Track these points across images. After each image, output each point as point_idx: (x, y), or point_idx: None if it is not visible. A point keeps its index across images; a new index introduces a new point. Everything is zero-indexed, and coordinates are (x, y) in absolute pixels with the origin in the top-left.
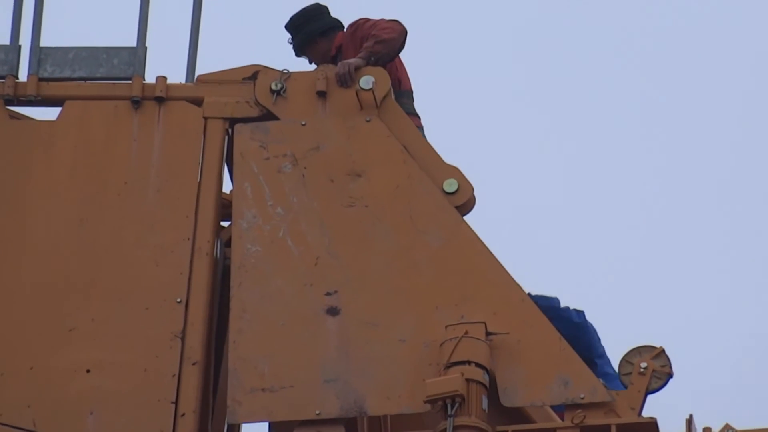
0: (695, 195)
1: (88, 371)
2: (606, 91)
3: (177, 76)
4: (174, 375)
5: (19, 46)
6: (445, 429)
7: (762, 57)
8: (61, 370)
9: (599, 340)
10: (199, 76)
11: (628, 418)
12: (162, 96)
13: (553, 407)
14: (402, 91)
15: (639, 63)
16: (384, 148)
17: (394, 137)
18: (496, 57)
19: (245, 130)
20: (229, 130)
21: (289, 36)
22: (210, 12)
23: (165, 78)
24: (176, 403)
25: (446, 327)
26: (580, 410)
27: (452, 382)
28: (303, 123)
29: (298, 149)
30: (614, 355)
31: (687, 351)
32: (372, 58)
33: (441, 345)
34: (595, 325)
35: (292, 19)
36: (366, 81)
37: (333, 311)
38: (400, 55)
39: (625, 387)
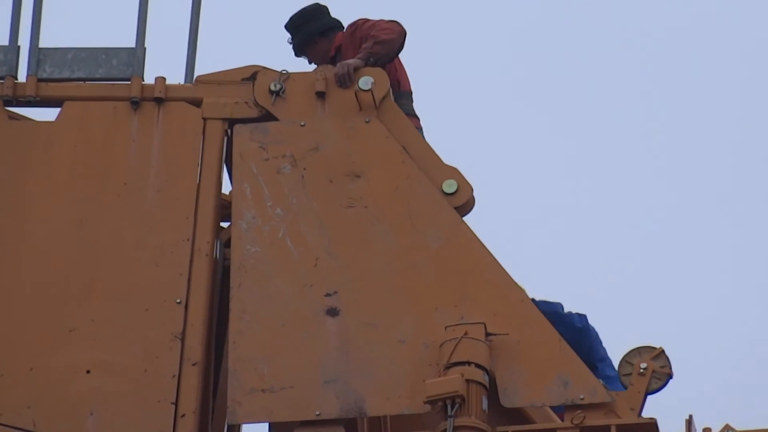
0: (695, 196)
1: (88, 372)
2: (606, 91)
3: (176, 76)
4: (174, 376)
5: (18, 47)
6: (445, 429)
7: (762, 57)
8: (61, 370)
9: (601, 343)
10: (198, 76)
11: (628, 418)
12: (161, 97)
13: (552, 408)
14: (401, 92)
15: (639, 63)
16: (383, 148)
17: (393, 138)
18: (495, 58)
19: (244, 130)
20: (229, 131)
21: (288, 36)
22: (209, 13)
23: (164, 79)
24: (176, 403)
25: (446, 328)
26: (579, 411)
27: (452, 382)
28: (302, 124)
29: (298, 150)
30: (614, 356)
31: (687, 351)
32: (371, 59)
33: (441, 346)
34: (596, 326)
35: (291, 19)
36: (365, 82)
37: (333, 312)
38: (400, 56)
39: (625, 388)
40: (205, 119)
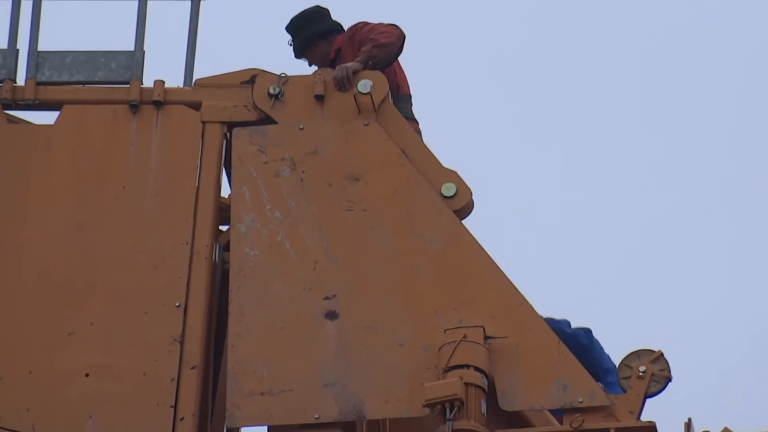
0: (693, 197)
1: (87, 375)
2: (604, 94)
3: (175, 80)
4: (173, 379)
5: (17, 50)
6: None
7: (757, 57)
8: (61, 374)
9: (608, 356)
10: (197, 80)
11: (627, 422)
12: (160, 100)
13: (551, 411)
14: (400, 95)
15: (636, 66)
16: (382, 151)
17: (392, 141)
18: (494, 61)
19: (243, 134)
20: (228, 134)
21: (289, 38)
22: (208, 16)
23: (163, 82)
24: (175, 407)
25: (445, 331)
26: (578, 414)
27: (451, 386)
28: (301, 127)
29: (297, 153)
30: (613, 359)
31: (686, 354)
32: (370, 62)
33: (440, 349)
34: (595, 329)
35: (292, 20)
36: (364, 85)
37: (332, 315)
38: (399, 59)
39: (624, 391)
40: (204, 122)
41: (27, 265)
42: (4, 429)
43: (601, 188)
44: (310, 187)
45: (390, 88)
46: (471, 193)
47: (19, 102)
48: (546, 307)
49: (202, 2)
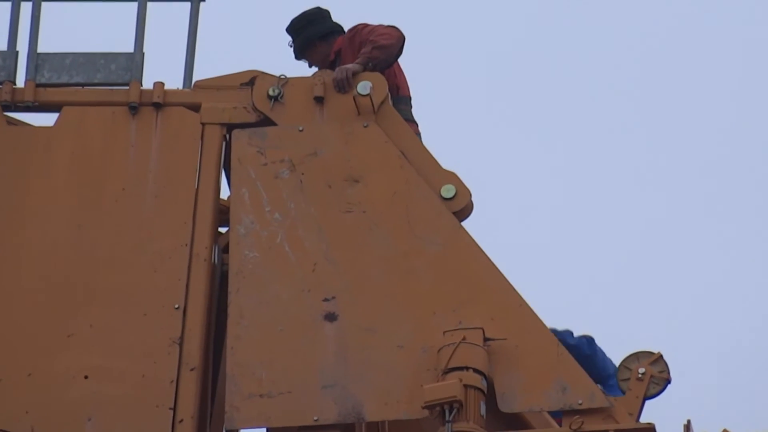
0: (693, 199)
1: (86, 377)
2: (604, 94)
3: (174, 81)
4: (172, 381)
5: (17, 52)
6: None
7: (757, 58)
8: (60, 376)
9: (610, 361)
10: (196, 81)
11: (626, 423)
12: (159, 102)
13: (551, 413)
14: (400, 97)
15: (635, 67)
16: (381, 153)
17: (392, 143)
18: (493, 63)
19: (243, 135)
20: (227, 136)
21: (290, 39)
22: (207, 17)
23: (162, 84)
24: (174, 409)
25: (444, 333)
26: (578, 416)
27: (450, 387)
28: (300, 128)
29: (296, 155)
30: (613, 361)
31: (685, 356)
32: (369, 64)
33: (439, 351)
34: (594, 331)
35: (292, 22)
36: (363, 86)
37: (331, 317)
38: (399, 61)
39: (623, 393)
40: (203, 124)
41: (26, 266)
42: (4, 431)
43: (601, 189)
44: (309, 189)
45: (390, 90)
46: (470, 195)
47: (18, 104)
48: (545, 308)
49: (201, 4)
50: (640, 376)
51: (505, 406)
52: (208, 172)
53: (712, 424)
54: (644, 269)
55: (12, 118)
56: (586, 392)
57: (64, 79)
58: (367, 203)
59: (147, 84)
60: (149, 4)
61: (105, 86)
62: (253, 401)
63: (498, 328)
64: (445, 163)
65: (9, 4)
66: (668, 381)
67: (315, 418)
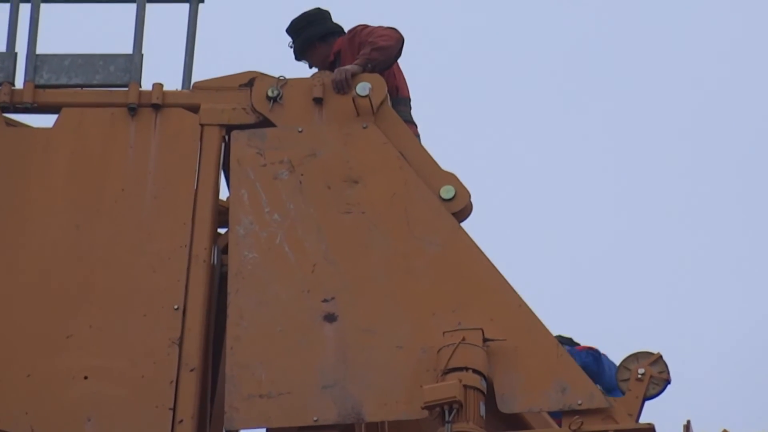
0: (697, 199)
1: (85, 378)
2: (602, 95)
3: (173, 83)
4: (172, 381)
5: (16, 54)
6: None
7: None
8: (59, 376)
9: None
10: (195, 83)
11: (626, 424)
12: (158, 103)
13: (550, 413)
14: (399, 98)
15: (633, 67)
16: (381, 154)
17: (391, 144)
18: (492, 63)
19: (242, 136)
20: (226, 137)
21: (290, 40)
22: (206, 19)
23: (161, 85)
24: (174, 409)
25: (443, 333)
26: (577, 416)
27: (450, 388)
28: (300, 129)
29: (295, 156)
30: (613, 361)
31: (685, 357)
32: (369, 65)
33: (438, 351)
34: (594, 331)
35: (292, 22)
36: (362, 87)
37: (330, 318)
38: (399, 62)
39: (623, 393)
40: (202, 125)
41: (26, 267)
42: (3, 431)
43: (602, 189)
44: (308, 190)
45: (389, 91)
46: (470, 196)
47: (17, 105)
48: (545, 308)
49: (200, 5)
50: (639, 376)
51: (505, 406)
52: (207, 173)
53: (711, 424)
54: (644, 269)
55: (11, 119)
56: (585, 393)
57: (63, 81)
58: (366, 204)
59: (146, 85)
60: (148, 6)
61: (104, 87)
62: (252, 402)
63: (497, 328)
64: (444, 164)
65: (8, 6)
66: (668, 381)
67: (314, 418)
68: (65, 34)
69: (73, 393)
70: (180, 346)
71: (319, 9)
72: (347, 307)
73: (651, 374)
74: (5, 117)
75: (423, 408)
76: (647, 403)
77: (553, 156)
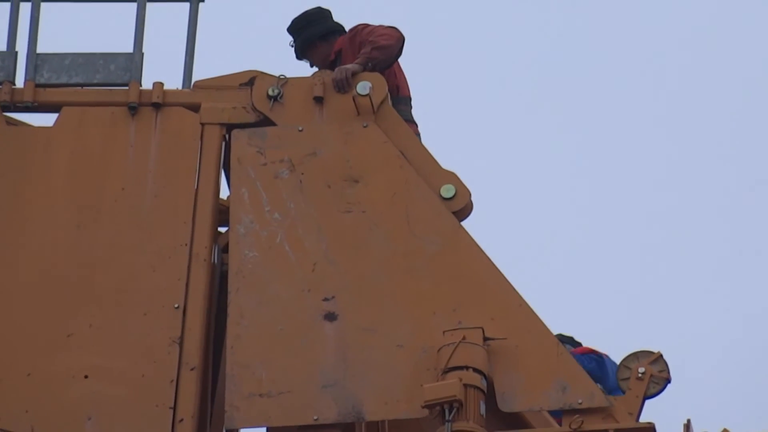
0: (696, 201)
1: (86, 377)
2: (602, 96)
3: (174, 81)
4: (172, 380)
5: (16, 52)
6: None
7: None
8: (60, 375)
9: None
10: (195, 81)
11: (626, 423)
12: (159, 102)
13: (551, 412)
14: (400, 97)
15: (631, 68)
16: (381, 153)
17: (391, 143)
18: (492, 64)
19: (242, 135)
20: (226, 136)
21: (291, 39)
22: (206, 18)
23: (162, 84)
24: (174, 408)
25: (444, 332)
26: (577, 415)
27: (450, 387)
28: (300, 128)
29: (296, 155)
30: (614, 360)
31: (685, 356)
32: (369, 64)
33: (439, 350)
34: (594, 331)
35: (293, 21)
36: (363, 86)
37: (331, 317)
38: (400, 61)
39: (623, 392)
40: (203, 124)
41: (26, 266)
42: (4, 431)
43: (602, 189)
44: (309, 189)
45: (390, 90)
46: (470, 195)
47: (18, 104)
48: (544, 309)
49: (200, 4)
50: (639, 375)
51: (505, 405)
52: (208, 172)
53: (712, 423)
54: (644, 268)
55: (11, 118)
56: (586, 392)
57: (64, 80)
58: (366, 203)
59: (146, 84)
60: (148, 5)
61: (104, 86)
62: (253, 401)
63: (498, 327)
64: (445, 163)
65: (8, 5)
66: (668, 380)
67: (315, 417)
68: (66, 33)
69: (74, 392)
70: (180, 345)
71: (320, 8)
72: (347, 307)
73: (651, 373)
74: (6, 116)
75: (423, 407)
76: (648, 402)
77: (554, 154)
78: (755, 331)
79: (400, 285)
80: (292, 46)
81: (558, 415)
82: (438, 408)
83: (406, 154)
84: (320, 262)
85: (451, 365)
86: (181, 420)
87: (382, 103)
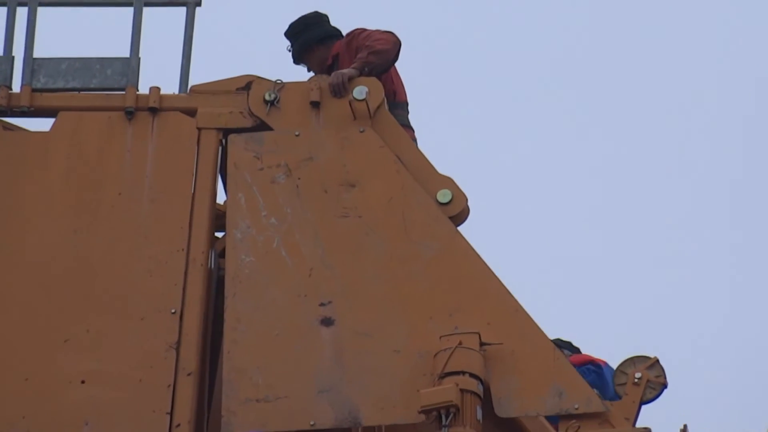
0: (695, 203)
1: (83, 382)
2: (602, 96)
3: (170, 86)
4: (169, 386)
5: (13, 57)
6: None
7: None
8: (56, 380)
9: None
10: (192, 86)
11: (623, 428)
12: (155, 107)
13: (547, 418)
14: (397, 102)
15: (630, 69)
16: (377, 158)
17: (388, 148)
18: (490, 67)
19: (239, 140)
20: (223, 141)
21: (288, 43)
22: (203, 22)
23: (158, 88)
24: (171, 413)
25: (440, 337)
26: (574, 420)
27: (446, 392)
28: (297, 133)
29: (292, 160)
30: (610, 365)
31: (682, 361)
32: (366, 69)
33: (435, 355)
34: (592, 334)
35: (291, 26)
36: (359, 91)
37: (327, 322)
38: (398, 67)
39: (620, 397)
40: (199, 129)
41: (23, 271)
42: None
43: (599, 193)
44: (305, 194)
45: (386, 95)
46: (466, 200)
47: (14, 109)
48: (541, 314)
49: (197, 9)
50: (636, 380)
51: (502, 410)
52: (205, 176)
53: (708, 429)
54: (642, 273)
55: (8, 123)
56: (582, 397)
57: (60, 84)
58: (363, 208)
59: (143, 89)
60: (145, 9)
61: (101, 91)
62: (249, 406)
63: (494, 332)
64: (441, 168)
65: (5, 9)
66: (664, 386)
67: (311, 422)
68: (62, 37)
69: (71, 397)
70: (177, 350)
71: (317, 12)
72: (344, 311)
73: (648, 378)
74: (2, 121)
75: (420, 412)
76: (644, 408)
77: (550, 159)
78: (753, 336)
79: (396, 290)
80: (290, 50)
81: (555, 420)
82: (434, 413)
83: (402, 159)
84: (317, 267)
85: (447, 370)
86: (178, 425)
87: (378, 107)
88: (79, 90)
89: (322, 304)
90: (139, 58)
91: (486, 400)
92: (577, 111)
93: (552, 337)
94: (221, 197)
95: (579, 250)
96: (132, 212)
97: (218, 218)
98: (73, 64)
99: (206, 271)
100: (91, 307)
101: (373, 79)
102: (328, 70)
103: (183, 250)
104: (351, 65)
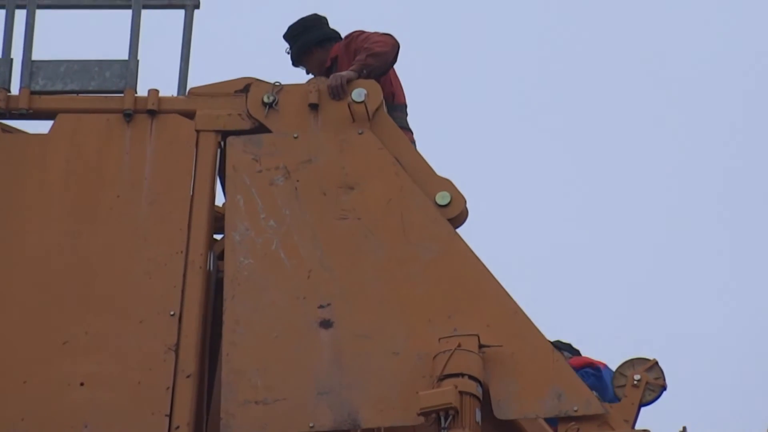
0: (694, 205)
1: (82, 384)
2: (602, 97)
3: (169, 88)
4: (168, 388)
5: (11, 60)
6: None
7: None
8: (55, 383)
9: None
10: (191, 89)
11: (622, 430)
12: (154, 109)
13: (546, 420)
14: (396, 104)
15: (628, 70)
16: (376, 160)
17: (387, 150)
18: (489, 69)
19: (238, 142)
20: (222, 143)
21: (287, 46)
22: (201, 25)
23: (157, 91)
24: (170, 415)
25: (439, 339)
26: (573, 422)
27: (446, 394)
28: (295, 136)
29: (291, 162)
30: (610, 367)
31: (681, 363)
32: (364, 71)
33: (434, 357)
34: (591, 336)
35: (290, 28)
36: (358, 93)
37: (326, 324)
38: (396, 69)
39: (619, 399)
40: (198, 131)
41: (21, 274)
42: None
43: (598, 196)
44: (304, 196)
45: (385, 98)
46: (465, 202)
47: (13, 111)
48: (540, 316)
49: (195, 11)
50: (635, 382)
51: (501, 413)
52: (203, 179)
53: (707, 431)
54: (640, 275)
55: (7, 125)
56: (581, 399)
57: (59, 87)
58: (362, 210)
59: (141, 91)
60: (144, 12)
61: (100, 93)
62: (248, 408)
63: (493, 334)
64: (440, 170)
65: (3, 12)
66: (664, 388)
67: (310, 424)
68: (61, 40)
69: (70, 399)
70: (176, 352)
71: (316, 15)
72: (343, 314)
73: (647, 380)
74: (1, 123)
75: (419, 414)
76: (643, 410)
77: (548, 161)
78: (753, 339)
79: (395, 292)
80: (288, 52)
81: (554, 422)
82: (434, 415)
83: (401, 161)
84: (315, 269)
85: (446, 372)
86: (177, 427)
87: (377, 110)
88: (77, 92)
89: (321, 306)
90: (138, 61)
91: (485, 402)
92: (575, 112)
93: (551, 338)
94: (220, 199)
95: (578, 251)
96: (131, 214)
97: (217, 220)
98: (72, 67)
99: (205, 274)
100: (89, 309)
101: (372, 82)
102: (327, 73)
103: (182, 252)
104: (349, 67)
